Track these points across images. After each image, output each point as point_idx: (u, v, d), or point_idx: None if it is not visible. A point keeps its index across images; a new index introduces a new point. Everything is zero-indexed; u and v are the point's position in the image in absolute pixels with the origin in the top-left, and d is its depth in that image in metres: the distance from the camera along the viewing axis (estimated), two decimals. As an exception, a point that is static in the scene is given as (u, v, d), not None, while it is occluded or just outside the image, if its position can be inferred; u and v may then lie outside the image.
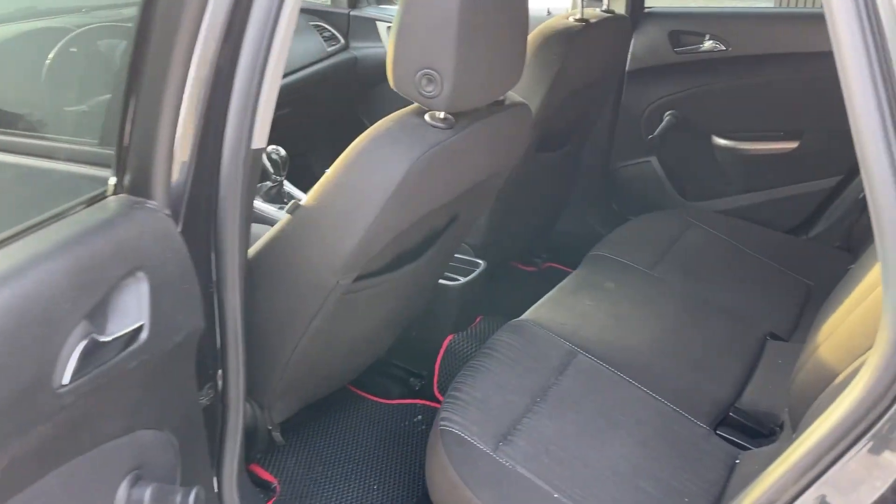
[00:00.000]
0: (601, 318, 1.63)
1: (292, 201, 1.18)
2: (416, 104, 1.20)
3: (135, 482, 0.85)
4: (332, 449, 1.67)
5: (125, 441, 0.84)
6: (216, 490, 1.20)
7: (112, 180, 0.88)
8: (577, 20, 1.81)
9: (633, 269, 1.83)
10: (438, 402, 1.82)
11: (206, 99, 0.97)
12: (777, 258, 1.95)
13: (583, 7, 1.83)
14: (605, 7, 2.00)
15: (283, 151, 2.16)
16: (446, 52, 1.08)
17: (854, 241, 2.05)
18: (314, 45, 2.58)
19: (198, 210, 0.97)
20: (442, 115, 1.17)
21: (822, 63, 2.12)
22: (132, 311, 0.79)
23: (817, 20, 2.12)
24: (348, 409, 1.78)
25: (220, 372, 1.14)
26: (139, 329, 0.80)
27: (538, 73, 1.73)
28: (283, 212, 1.20)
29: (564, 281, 1.79)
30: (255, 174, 1.07)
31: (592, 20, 1.84)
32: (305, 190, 1.27)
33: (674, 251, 1.91)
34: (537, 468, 1.22)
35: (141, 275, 0.80)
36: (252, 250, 1.25)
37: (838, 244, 2.14)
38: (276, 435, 1.48)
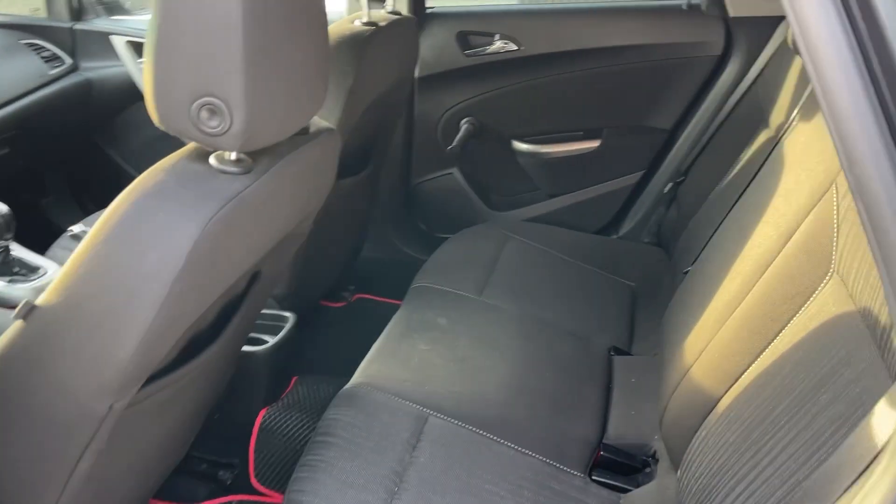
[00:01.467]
0: (442, 364, 1.41)
1: (23, 302, 0.80)
2: (193, 144, 0.88)
3: None
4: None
5: None
6: None
7: None
8: (364, 24, 1.56)
9: (461, 298, 1.63)
10: (259, 493, 1.49)
11: None
12: (595, 261, 1.88)
13: (369, 9, 1.58)
14: (390, 9, 1.78)
15: (2, 207, 1.67)
16: (232, 73, 0.78)
17: (664, 237, 2.04)
18: (31, 67, 2.07)
19: None
20: (234, 156, 0.86)
21: (615, 58, 2.15)
22: None
23: (606, 14, 2.10)
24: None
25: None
26: None
27: (331, 90, 1.45)
28: (10, 315, 0.82)
29: (391, 324, 1.55)
30: None
31: (381, 23, 1.60)
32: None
33: (498, 270, 1.75)
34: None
35: None
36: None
37: (648, 240, 2.12)
38: None
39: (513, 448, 1.23)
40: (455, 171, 2.19)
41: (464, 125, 2.11)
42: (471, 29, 2.06)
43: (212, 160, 0.86)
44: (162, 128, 0.84)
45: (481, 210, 2.21)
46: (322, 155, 1.08)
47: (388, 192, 2.17)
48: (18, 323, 0.81)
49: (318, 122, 1.09)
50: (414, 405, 1.27)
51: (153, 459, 1.15)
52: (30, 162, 2.17)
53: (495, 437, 1.24)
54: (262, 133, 0.86)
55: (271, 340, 1.53)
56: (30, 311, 0.80)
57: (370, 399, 1.27)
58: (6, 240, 1.70)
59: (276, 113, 0.87)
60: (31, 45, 2.13)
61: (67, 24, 2.22)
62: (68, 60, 2.21)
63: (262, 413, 1.55)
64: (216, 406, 1.47)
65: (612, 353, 1.57)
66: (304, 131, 1.03)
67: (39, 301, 0.80)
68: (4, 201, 1.79)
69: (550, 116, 2.11)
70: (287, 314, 1.60)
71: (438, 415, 1.26)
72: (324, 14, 0.96)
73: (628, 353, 1.59)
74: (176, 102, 0.81)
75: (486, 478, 1.16)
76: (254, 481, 1.49)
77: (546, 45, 2.02)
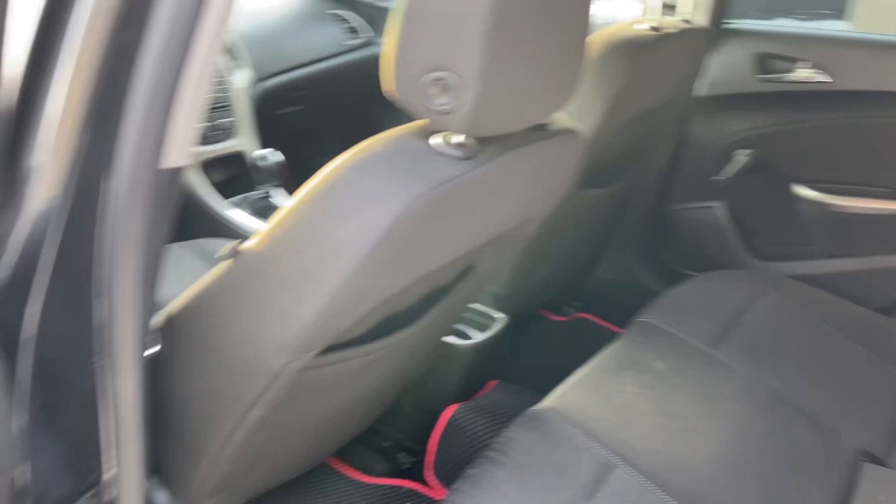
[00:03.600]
0: (648, 414, 1.26)
1: (231, 243, 0.82)
2: (419, 123, 0.84)
3: None
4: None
5: None
6: None
7: None
8: (649, 29, 1.44)
9: (690, 347, 1.44)
10: (429, 487, 1.46)
11: (94, 92, 0.64)
12: (866, 342, 1.56)
13: (661, 14, 1.45)
14: (682, 17, 1.63)
15: (277, 156, 1.82)
16: (470, 47, 0.72)
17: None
18: (331, 36, 2.24)
19: (57, 248, 0.64)
20: (459, 139, 0.81)
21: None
22: None
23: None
24: (320, 486, 1.42)
25: (108, 477, 0.80)
26: None
27: (594, 90, 1.36)
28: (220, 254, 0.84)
29: (603, 354, 1.41)
30: (169, 199, 0.71)
31: (669, 30, 1.46)
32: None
33: (741, 325, 1.52)
34: None
35: None
36: (179, 302, 0.90)
37: (947, 333, 1.73)
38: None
39: (704, 534, 1.05)
40: (718, 206, 1.97)
41: (740, 157, 1.88)
42: (773, 51, 1.82)
43: (433, 140, 0.82)
44: (393, 97, 0.81)
45: (739, 253, 1.96)
46: (558, 157, 1.00)
47: (638, 214, 2.01)
48: (224, 263, 0.84)
49: (563, 121, 1.00)
50: (603, 449, 1.14)
51: (331, 425, 1.16)
52: (315, 122, 2.36)
53: (687, 514, 1.07)
54: (491, 119, 0.79)
55: (476, 337, 1.48)
56: (235, 254, 0.82)
57: (556, 428, 1.16)
58: (272, 186, 1.86)
59: (511, 101, 0.80)
60: (336, 15, 2.30)
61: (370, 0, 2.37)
62: (367, 34, 2.36)
63: (452, 409, 1.51)
64: (410, 389, 1.46)
65: (862, 459, 1.29)
66: (542, 128, 0.95)
67: (244, 247, 0.82)
68: (286, 154, 1.96)
69: (852, 165, 1.80)
70: (499, 315, 1.54)
71: (628, 468, 1.11)
72: (585, 10, 0.87)
73: (884, 465, 1.29)
74: (410, 72, 0.77)
75: (663, 557, 1.00)
76: (426, 472, 1.46)
77: (866, 81, 1.71)
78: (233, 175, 1.88)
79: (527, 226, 1.09)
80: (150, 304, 0.75)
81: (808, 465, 1.23)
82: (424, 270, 0.87)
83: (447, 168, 0.79)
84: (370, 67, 2.39)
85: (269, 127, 2.01)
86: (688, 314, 1.54)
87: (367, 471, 1.47)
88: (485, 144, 0.84)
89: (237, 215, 1.75)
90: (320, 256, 0.77)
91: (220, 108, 1.84)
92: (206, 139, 1.80)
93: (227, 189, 1.83)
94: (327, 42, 2.21)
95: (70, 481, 0.81)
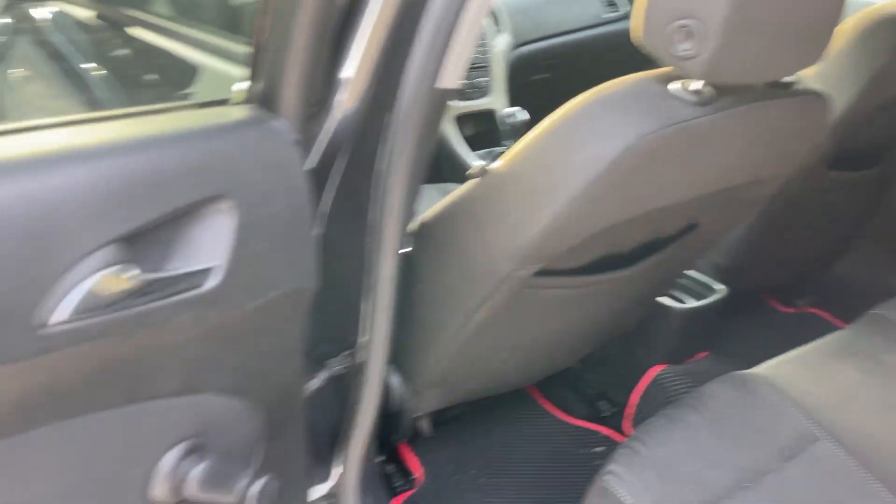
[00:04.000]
0: (866, 400, 1.21)
1: (480, 165, 0.96)
2: (662, 70, 0.91)
3: (188, 452, 0.71)
4: (492, 455, 1.46)
5: (181, 403, 0.69)
6: (337, 469, 1.05)
7: (242, 85, 0.73)
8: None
9: (929, 347, 1.35)
10: (626, 437, 1.53)
11: (394, 18, 0.79)
12: None
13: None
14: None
15: (524, 115, 1.96)
16: None
17: None
18: (589, 9, 2.32)
19: (354, 144, 0.80)
20: (697, 85, 0.87)
21: None
22: (203, 248, 0.64)
23: None
24: (521, 415, 1.55)
25: (361, 341, 0.98)
26: (204, 272, 0.64)
27: (851, 65, 1.31)
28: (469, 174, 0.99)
29: (827, 337, 1.37)
30: (436, 119, 0.86)
31: (953, 6, 1.36)
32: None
33: None
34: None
35: (228, 206, 0.64)
36: (432, 211, 1.06)
37: None
38: (424, 424, 1.31)
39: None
40: None
41: None
42: None
43: (671, 86, 0.88)
44: (639, 44, 0.88)
45: None
46: (799, 118, 1.00)
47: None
48: (472, 181, 0.98)
49: (808, 84, 1.00)
50: (808, 420, 1.13)
51: (542, 348, 1.27)
52: (561, 91, 2.45)
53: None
54: (731, 67, 0.84)
55: (690, 303, 1.51)
56: (483, 173, 0.96)
57: (762, 392, 1.17)
58: (515, 142, 2.00)
59: (753, 52, 0.84)
60: (600, -12, 2.37)
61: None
62: (626, 8, 2.41)
63: (658, 369, 1.55)
64: (618, 342, 1.53)
65: None
66: (787, 87, 0.97)
67: (491, 167, 0.95)
68: (535, 118, 2.09)
69: None
70: (719, 286, 1.55)
71: (833, 442, 1.10)
72: None
73: None
74: (658, 20, 0.84)
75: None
76: (625, 423, 1.53)
77: None
78: (481, 130, 2.06)
79: (758, 188, 1.11)
80: (410, 208, 0.91)
81: None
82: (645, 207, 0.94)
83: (680, 111, 0.86)
84: (624, 41, 2.43)
85: (519, 90, 2.15)
86: (934, 315, 1.43)
87: (568, 411, 1.57)
88: (722, 94, 0.88)
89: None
90: (552, 179, 0.88)
91: (479, 67, 2.02)
92: (464, 95, 1.99)
93: (475, 142, 2.01)
94: (586, 13, 2.30)
95: (332, 342, 1.00)
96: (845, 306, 1.87)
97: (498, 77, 2.07)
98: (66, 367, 0.56)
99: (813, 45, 0.90)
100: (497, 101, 2.06)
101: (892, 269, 1.93)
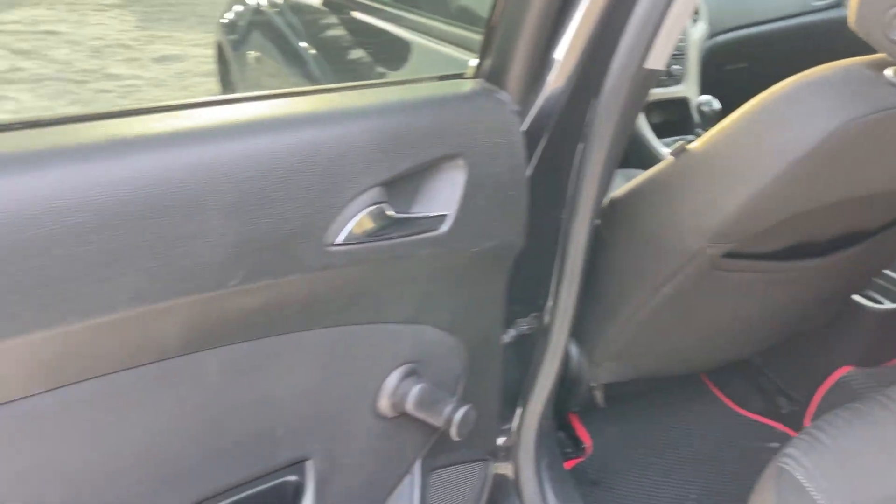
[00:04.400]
0: None
1: (678, 143, 1.00)
2: (876, 56, 0.90)
3: (407, 374, 0.82)
4: (661, 437, 1.49)
5: (406, 330, 0.81)
6: (516, 425, 1.14)
7: (473, 62, 0.83)
8: None
9: None
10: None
11: (606, 5, 0.85)
12: None
13: None
14: None
15: (717, 104, 1.94)
16: None
17: None
18: (799, -4, 2.23)
19: (559, 119, 0.87)
20: (910, 73, 0.85)
21: None
22: (439, 197, 0.74)
23: None
24: (694, 402, 1.56)
25: (548, 305, 1.06)
26: (441, 219, 0.74)
27: None
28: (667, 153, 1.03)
29: None
30: (639, 100, 0.91)
31: None
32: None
33: None
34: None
35: (461, 163, 0.74)
36: (624, 188, 1.12)
37: None
38: (598, 395, 1.36)
39: None
40: None
41: None
42: None
43: (887, 71, 0.87)
44: (855, 28, 0.88)
45: None
46: None
47: None
48: (669, 159, 1.02)
49: None
50: None
51: (725, 332, 1.28)
52: (757, 81, 2.37)
53: None
54: None
55: (886, 305, 1.44)
56: (680, 151, 1.00)
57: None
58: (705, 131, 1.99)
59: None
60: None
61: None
62: (842, -4, 2.28)
63: (846, 370, 1.50)
64: (805, 337, 1.49)
65: None
66: None
67: (690, 146, 0.99)
68: (725, 108, 2.06)
69: None
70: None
71: None
72: None
73: None
74: (875, 5, 0.84)
75: None
76: (807, 421, 1.49)
77: None
78: (669, 119, 2.06)
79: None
80: (606, 185, 0.97)
81: None
82: (847, 194, 0.94)
83: (893, 98, 0.85)
84: (834, 30, 2.31)
85: (711, 80, 2.12)
86: None
87: (743, 404, 1.56)
88: None
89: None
90: (753, 158, 0.90)
91: (674, 55, 2.02)
92: (657, 83, 2.00)
93: (661, 130, 2.01)
94: (790, 1, 2.21)
95: (522, 304, 1.08)
96: None
97: (692, 65, 2.05)
98: (336, 283, 0.69)
99: None
100: (690, 90, 2.05)
101: None
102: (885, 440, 1.04)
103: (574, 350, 1.28)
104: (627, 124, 0.93)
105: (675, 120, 2.07)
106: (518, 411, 1.13)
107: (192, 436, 0.67)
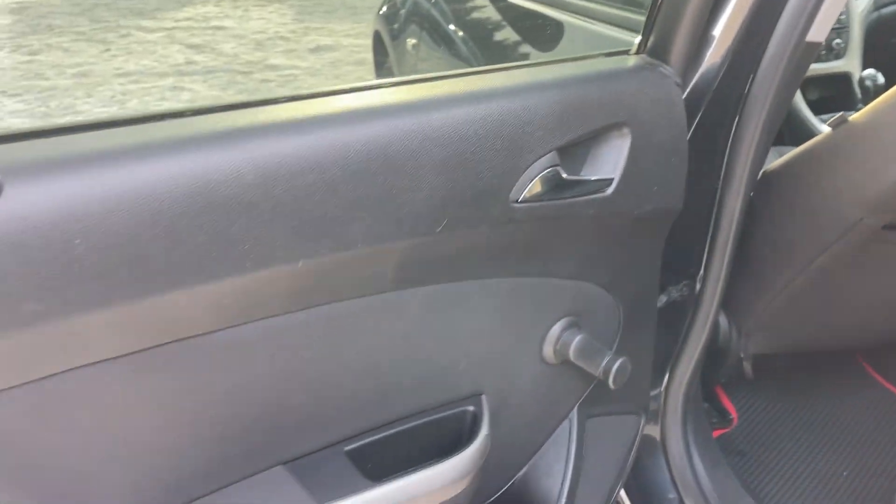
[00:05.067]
0: None
1: (839, 114, 1.01)
2: None
3: (569, 326, 0.91)
4: (812, 414, 1.48)
5: (570, 285, 0.89)
6: (664, 389, 1.19)
7: (637, 39, 0.89)
8: None
9: None
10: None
11: None
12: None
13: None
14: None
15: (881, 78, 1.86)
16: None
17: None
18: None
19: (717, 92, 0.92)
20: None
21: None
22: (606, 162, 0.81)
23: None
24: (849, 380, 1.53)
25: (700, 274, 1.10)
26: (607, 182, 0.82)
27: None
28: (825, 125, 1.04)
29: None
30: (799, 72, 0.94)
31: None
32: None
33: None
34: None
35: (626, 131, 0.81)
36: (778, 161, 1.13)
37: None
38: (747, 366, 1.38)
39: None
40: None
41: None
42: None
43: None
44: None
45: None
46: None
47: None
48: (828, 131, 1.04)
49: None
50: None
51: (877, 311, 1.26)
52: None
53: None
54: None
55: None
56: (841, 122, 1.01)
57: None
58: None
59: None
60: None
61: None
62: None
63: None
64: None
65: None
66: None
67: (851, 117, 1.00)
68: (889, 83, 1.97)
69: None
70: None
71: None
72: None
73: None
74: None
75: None
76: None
77: None
78: (827, 94, 1.99)
79: None
80: (763, 157, 1.00)
81: None
82: None
83: None
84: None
85: (874, 54, 2.03)
86: None
87: (902, 387, 1.52)
88: None
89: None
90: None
91: (835, 28, 1.95)
92: (817, 57, 1.94)
93: (818, 107, 1.95)
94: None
95: (674, 271, 1.13)
96: None
97: (855, 39, 1.97)
98: (515, 237, 0.79)
99: None
100: (851, 64, 1.98)
101: None
102: None
103: (724, 320, 1.31)
104: (785, 99, 0.96)
105: (833, 96, 2.00)
106: (666, 377, 1.18)
107: (397, 362, 0.80)
